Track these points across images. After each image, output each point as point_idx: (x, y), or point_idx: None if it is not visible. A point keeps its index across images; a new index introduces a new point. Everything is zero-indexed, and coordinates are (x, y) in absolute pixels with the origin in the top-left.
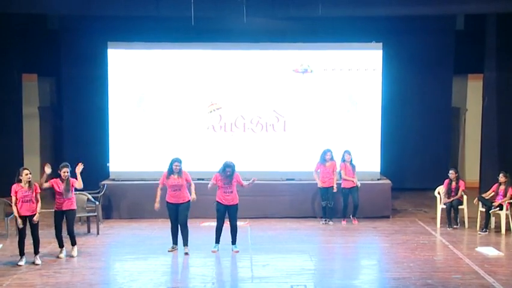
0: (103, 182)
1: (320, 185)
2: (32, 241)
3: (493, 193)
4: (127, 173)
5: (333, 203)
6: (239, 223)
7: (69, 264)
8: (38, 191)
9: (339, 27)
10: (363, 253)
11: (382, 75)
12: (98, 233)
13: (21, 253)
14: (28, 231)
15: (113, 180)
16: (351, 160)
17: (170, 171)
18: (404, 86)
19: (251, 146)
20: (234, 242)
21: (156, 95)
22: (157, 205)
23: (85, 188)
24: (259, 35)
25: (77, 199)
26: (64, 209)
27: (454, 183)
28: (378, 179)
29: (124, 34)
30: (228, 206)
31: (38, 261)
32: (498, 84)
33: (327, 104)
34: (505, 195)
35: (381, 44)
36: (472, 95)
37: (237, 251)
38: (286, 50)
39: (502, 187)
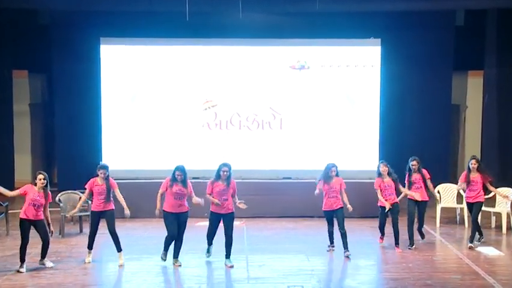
0: None
1: (324, 207)
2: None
3: (464, 183)
4: (121, 172)
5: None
6: (235, 222)
7: (61, 265)
8: (50, 200)
9: (336, 23)
10: (361, 253)
11: (380, 72)
12: None
13: (22, 259)
14: (33, 236)
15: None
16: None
17: (174, 180)
18: (402, 82)
19: (247, 144)
20: (228, 255)
21: (150, 92)
22: (158, 212)
23: (78, 187)
24: (255, 31)
25: (69, 198)
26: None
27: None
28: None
29: (117, 30)
30: (223, 215)
31: (50, 264)
32: (498, 80)
33: (324, 101)
34: (483, 182)
35: (379, 40)
36: (472, 92)
37: (231, 266)
38: (282, 46)
39: (475, 175)
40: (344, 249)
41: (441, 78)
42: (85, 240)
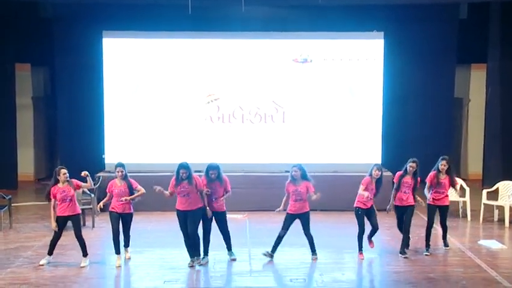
0: (98, 174)
1: (287, 209)
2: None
3: (430, 185)
4: None
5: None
6: (237, 215)
7: (64, 258)
8: (80, 184)
9: (339, 16)
10: (364, 246)
11: (383, 65)
12: (93, 226)
13: (50, 252)
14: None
15: (109, 172)
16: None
17: (178, 179)
18: (405, 76)
19: (249, 137)
20: (229, 248)
21: (152, 86)
22: (165, 191)
23: (80, 181)
24: (258, 24)
25: None
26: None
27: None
28: (408, 166)
29: (119, 23)
30: (214, 213)
31: (84, 264)
32: (502, 74)
33: (327, 94)
34: (451, 186)
35: (382, 33)
36: (475, 85)
37: (234, 259)
38: (285, 40)
39: (443, 176)
40: (312, 253)
41: (445, 72)
42: (88, 233)
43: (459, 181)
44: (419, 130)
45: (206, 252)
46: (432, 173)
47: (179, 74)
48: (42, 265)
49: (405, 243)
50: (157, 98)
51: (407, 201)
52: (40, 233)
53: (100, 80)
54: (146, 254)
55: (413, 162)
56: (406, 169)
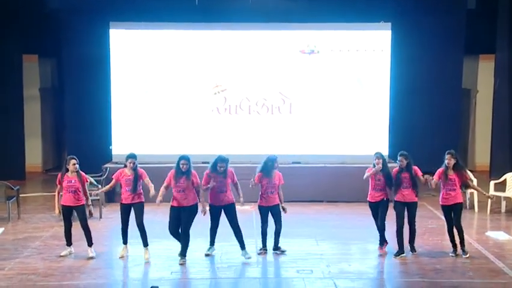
0: (105, 165)
1: (260, 202)
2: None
3: (439, 181)
4: None
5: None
6: (244, 207)
7: (71, 248)
8: (87, 180)
9: (346, 7)
10: (371, 238)
11: (391, 56)
12: (100, 217)
13: (68, 243)
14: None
15: (116, 163)
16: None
17: (178, 170)
18: (413, 67)
19: (256, 128)
20: (242, 246)
21: (159, 77)
22: (160, 198)
23: (88, 171)
24: (265, 15)
25: None
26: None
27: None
28: (396, 162)
29: (126, 14)
30: (222, 207)
31: (92, 254)
32: (510, 64)
33: (334, 85)
34: (460, 182)
35: (389, 24)
36: (483, 76)
37: (250, 257)
38: (292, 31)
39: (452, 172)
40: (274, 246)
41: (452, 62)
42: (95, 224)
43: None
44: (427, 121)
45: (212, 243)
46: (440, 170)
47: (186, 65)
48: (63, 256)
49: (412, 238)
50: (164, 89)
51: (409, 197)
52: (48, 223)
53: (107, 71)
54: (153, 245)
55: (402, 156)
56: (399, 165)
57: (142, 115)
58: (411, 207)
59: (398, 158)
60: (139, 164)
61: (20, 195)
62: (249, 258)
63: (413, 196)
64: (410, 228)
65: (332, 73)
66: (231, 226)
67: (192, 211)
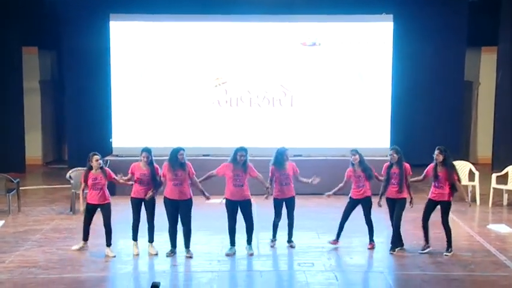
0: (105, 158)
1: (276, 195)
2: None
3: (428, 177)
4: (130, 149)
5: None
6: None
7: (72, 241)
8: (112, 175)
9: None
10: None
11: (392, 49)
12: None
13: (85, 238)
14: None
15: (117, 156)
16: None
17: (175, 162)
18: (415, 59)
19: (257, 121)
20: (249, 241)
21: (160, 69)
22: (150, 193)
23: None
24: (266, 7)
25: (79, 175)
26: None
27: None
28: (387, 155)
29: (126, 6)
30: (240, 202)
31: (110, 254)
32: None
33: (335, 78)
34: (447, 179)
35: (391, 15)
36: (486, 68)
37: (252, 254)
38: (294, 23)
39: (441, 169)
40: (288, 238)
41: (454, 55)
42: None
43: (469, 170)
44: (429, 114)
45: (233, 243)
46: (431, 165)
47: (187, 57)
48: (74, 250)
49: (395, 239)
50: (165, 82)
51: (397, 193)
52: (48, 216)
53: (107, 63)
54: (154, 238)
55: (393, 150)
56: (390, 160)
57: (143, 108)
58: (399, 204)
59: (389, 152)
60: (138, 156)
61: (20, 188)
62: (252, 254)
63: (402, 193)
64: (394, 224)
65: (334, 66)
66: (245, 222)
67: (190, 204)
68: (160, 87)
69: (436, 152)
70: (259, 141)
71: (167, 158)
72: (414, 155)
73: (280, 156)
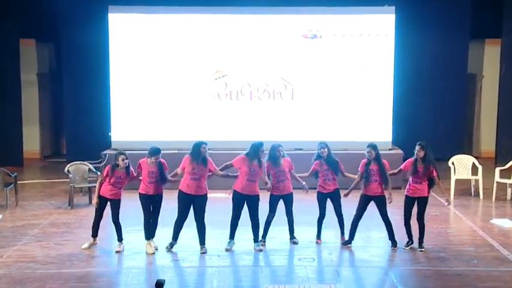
0: (104, 152)
1: (272, 191)
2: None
3: (405, 172)
4: (130, 143)
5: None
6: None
7: (71, 236)
8: (134, 175)
9: None
10: (374, 225)
11: (395, 41)
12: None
13: (94, 234)
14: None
15: (115, 149)
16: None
17: (197, 156)
18: (417, 51)
19: (257, 114)
20: (256, 239)
21: (159, 62)
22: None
23: (86, 158)
24: None
25: (78, 169)
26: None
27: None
28: (389, 149)
29: None
30: (248, 196)
31: (119, 249)
32: None
33: (336, 70)
34: (424, 175)
35: (393, 7)
36: (489, 61)
37: (260, 250)
38: (294, 15)
39: (421, 164)
40: (290, 235)
41: (458, 47)
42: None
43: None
44: (431, 107)
45: (232, 236)
46: (409, 160)
47: (186, 50)
48: (85, 248)
49: (391, 236)
50: (164, 75)
51: (375, 190)
52: (47, 211)
53: (106, 56)
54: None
55: (370, 147)
56: (368, 156)
57: (142, 101)
58: (380, 202)
59: (367, 149)
60: (138, 150)
61: (18, 182)
62: (261, 250)
63: (381, 190)
64: (385, 224)
65: (335, 58)
66: (251, 218)
67: (205, 200)
68: (160, 80)
69: (417, 147)
70: (259, 135)
71: (167, 152)
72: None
73: (273, 152)
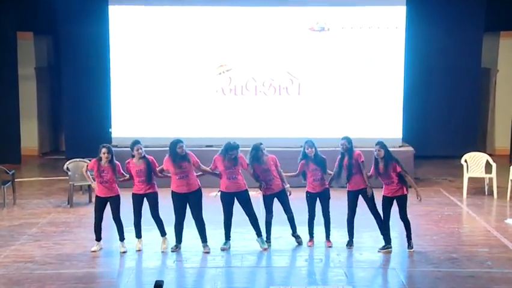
0: None
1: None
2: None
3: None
4: (131, 139)
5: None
6: (250, 193)
7: (70, 236)
8: (121, 171)
9: None
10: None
11: (405, 34)
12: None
13: (98, 238)
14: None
15: (116, 146)
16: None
17: (175, 156)
18: (429, 45)
19: (263, 110)
20: (258, 233)
21: (161, 56)
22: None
23: (86, 155)
24: None
25: (77, 166)
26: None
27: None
28: (399, 146)
29: None
30: (235, 193)
31: (123, 249)
32: None
33: (345, 65)
34: (384, 173)
35: None
36: (504, 55)
37: (266, 248)
38: (301, 7)
39: (382, 164)
40: (293, 231)
41: (471, 40)
42: (91, 210)
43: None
44: (443, 102)
45: (228, 237)
46: (373, 166)
47: (189, 43)
48: (94, 251)
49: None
50: (166, 69)
51: (358, 184)
52: (45, 209)
53: (106, 49)
54: (156, 232)
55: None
56: (341, 149)
57: (143, 96)
58: (364, 195)
59: (375, 147)
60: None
61: (16, 179)
62: (266, 249)
63: (362, 183)
64: (374, 218)
65: (343, 52)
66: (247, 215)
67: (200, 195)
68: (162, 74)
69: (376, 147)
70: (265, 131)
71: (167, 149)
72: (428, 145)
73: (255, 152)
